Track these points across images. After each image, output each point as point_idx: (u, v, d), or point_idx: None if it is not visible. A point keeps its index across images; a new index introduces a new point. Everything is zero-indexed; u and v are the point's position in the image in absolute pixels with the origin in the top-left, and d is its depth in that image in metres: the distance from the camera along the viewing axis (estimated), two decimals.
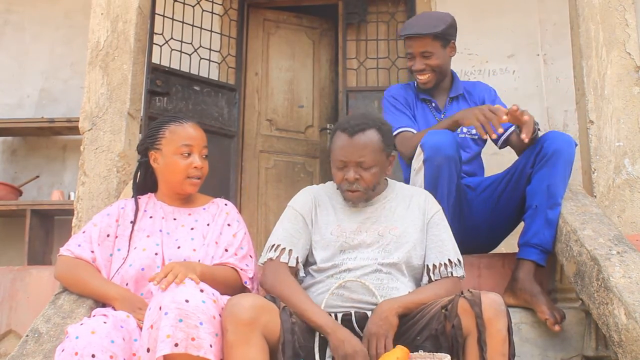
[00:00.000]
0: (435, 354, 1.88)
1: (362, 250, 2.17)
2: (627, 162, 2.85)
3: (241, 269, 2.25)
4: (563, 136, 2.53)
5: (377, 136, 2.20)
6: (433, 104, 2.92)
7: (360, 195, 2.21)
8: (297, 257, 2.19)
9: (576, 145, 2.53)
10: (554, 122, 4.72)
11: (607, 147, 2.87)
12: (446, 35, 2.82)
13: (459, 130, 2.80)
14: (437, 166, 2.47)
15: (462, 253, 2.58)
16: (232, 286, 2.22)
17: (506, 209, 2.70)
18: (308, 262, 2.25)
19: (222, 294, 2.07)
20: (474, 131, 2.80)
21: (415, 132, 2.80)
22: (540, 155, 2.50)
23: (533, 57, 4.86)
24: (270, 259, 2.19)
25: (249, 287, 2.25)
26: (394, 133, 2.72)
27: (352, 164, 2.18)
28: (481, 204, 2.74)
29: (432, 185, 2.47)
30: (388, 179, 2.38)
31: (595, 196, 2.82)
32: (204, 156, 2.39)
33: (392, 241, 2.18)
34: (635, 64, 2.94)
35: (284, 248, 2.20)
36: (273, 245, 2.21)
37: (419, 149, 2.55)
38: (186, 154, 2.34)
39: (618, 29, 2.98)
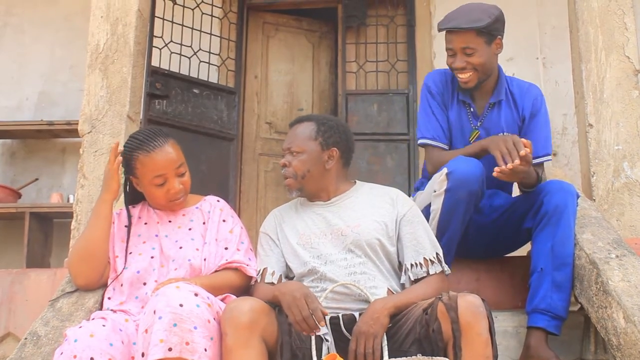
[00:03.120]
0: (433, 357, 1.87)
1: (330, 254, 2.19)
2: (626, 165, 2.85)
3: (247, 265, 2.28)
4: (563, 188, 2.38)
5: (312, 127, 2.33)
6: (472, 109, 2.68)
7: (291, 182, 2.31)
8: (273, 272, 2.25)
9: (579, 196, 2.40)
10: (553, 125, 4.71)
11: (606, 151, 2.87)
12: (491, 30, 2.53)
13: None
14: (458, 199, 2.37)
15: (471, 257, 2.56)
16: (236, 287, 2.25)
17: (503, 239, 2.65)
18: (290, 277, 2.29)
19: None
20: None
21: (445, 147, 2.65)
22: (541, 212, 2.37)
23: (532, 60, 4.86)
24: (255, 282, 2.29)
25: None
26: (421, 141, 2.68)
27: (286, 150, 2.34)
28: (483, 228, 2.64)
29: (448, 215, 2.39)
30: (357, 180, 2.42)
31: (594, 200, 2.82)
32: (181, 174, 2.34)
33: (355, 240, 2.19)
34: (634, 67, 2.94)
35: (260, 270, 2.29)
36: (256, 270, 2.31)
37: (442, 176, 2.40)
38: (160, 183, 2.31)
39: (617, 32, 2.98)
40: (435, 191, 2.44)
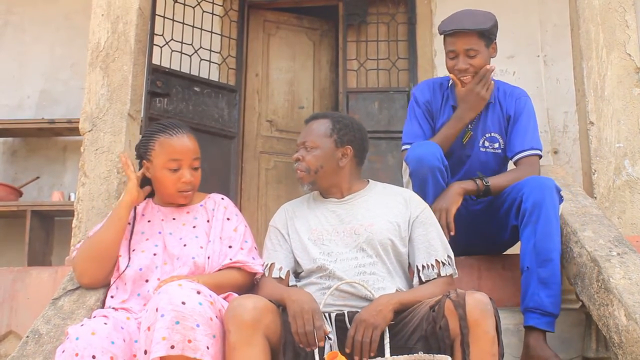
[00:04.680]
0: (435, 355, 1.87)
1: (341, 252, 2.19)
2: (627, 163, 2.85)
3: (250, 264, 2.27)
4: (541, 184, 2.39)
5: (327, 124, 2.34)
6: None
7: (303, 176, 2.31)
8: (281, 267, 2.24)
9: (559, 190, 2.40)
10: (554, 123, 4.73)
11: (607, 149, 2.87)
12: (490, 34, 2.65)
13: (480, 144, 2.71)
14: (422, 178, 2.47)
15: (460, 254, 2.57)
16: (239, 285, 2.25)
17: (495, 233, 2.66)
18: (298, 273, 2.28)
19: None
20: (496, 145, 2.72)
21: None
22: (521, 211, 2.39)
23: (533, 58, 4.86)
24: (262, 276, 2.28)
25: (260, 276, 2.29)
26: (404, 148, 2.75)
27: (300, 145, 2.35)
28: (473, 215, 2.67)
29: (421, 197, 2.43)
30: (370, 180, 2.43)
31: (595, 197, 2.82)
32: (195, 167, 2.36)
33: (368, 238, 2.19)
34: (636, 65, 2.94)
35: (268, 264, 2.27)
36: (262, 265, 2.30)
37: (404, 164, 2.55)
38: (174, 169, 2.32)
39: (618, 30, 2.98)
40: (404, 183, 2.58)
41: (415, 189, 2.49)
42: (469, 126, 2.72)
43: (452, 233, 2.43)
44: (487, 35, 2.64)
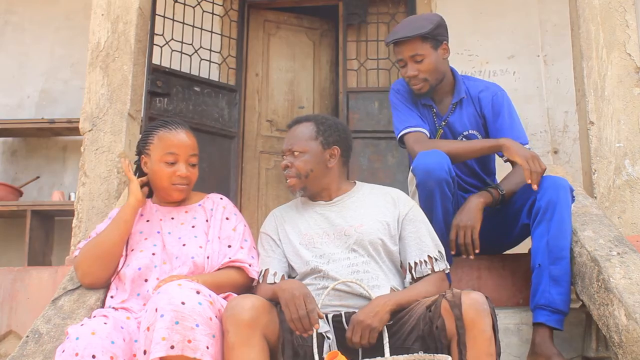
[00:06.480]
0: (435, 355, 1.87)
1: (333, 253, 2.20)
2: (628, 163, 2.85)
3: (249, 265, 2.28)
4: (556, 183, 2.40)
5: (312, 127, 2.34)
6: (434, 110, 2.78)
7: (294, 182, 2.32)
8: (275, 272, 2.25)
9: (572, 190, 2.42)
10: (554, 123, 4.73)
11: (608, 148, 2.88)
12: (436, 35, 2.66)
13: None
14: (430, 190, 2.45)
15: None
16: (238, 285, 2.25)
17: (503, 232, 2.66)
18: (292, 277, 2.29)
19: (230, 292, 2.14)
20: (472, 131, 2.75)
21: (427, 132, 2.70)
22: (535, 209, 2.40)
23: (533, 58, 4.85)
24: (257, 283, 2.29)
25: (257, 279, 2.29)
26: (403, 132, 2.73)
27: (287, 152, 2.34)
28: (485, 218, 2.61)
29: (428, 208, 2.44)
30: (357, 181, 2.44)
31: (595, 197, 2.82)
32: (192, 164, 2.38)
33: (358, 239, 2.20)
34: (636, 65, 2.94)
35: (262, 270, 2.28)
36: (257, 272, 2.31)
37: (410, 174, 2.53)
38: (171, 162, 2.33)
39: (618, 30, 2.98)
40: (410, 192, 2.54)
41: (422, 199, 2.48)
42: (442, 123, 2.76)
43: (478, 250, 2.44)
44: (431, 37, 2.65)
